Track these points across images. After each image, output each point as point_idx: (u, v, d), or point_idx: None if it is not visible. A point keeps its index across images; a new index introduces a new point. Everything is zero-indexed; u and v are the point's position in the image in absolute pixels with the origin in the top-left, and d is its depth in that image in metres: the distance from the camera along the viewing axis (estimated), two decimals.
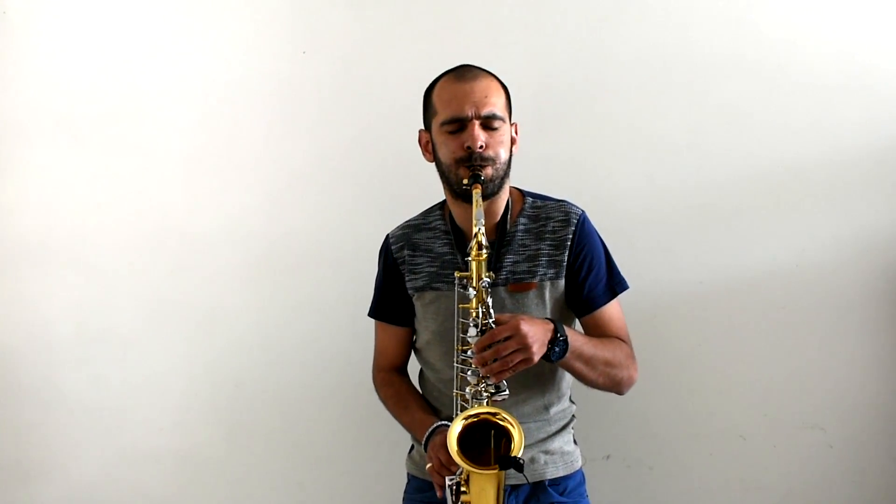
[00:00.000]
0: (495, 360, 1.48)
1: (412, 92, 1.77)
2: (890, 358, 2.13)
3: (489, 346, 1.48)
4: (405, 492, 1.83)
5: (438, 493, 1.55)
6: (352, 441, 2.28)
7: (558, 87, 2.21)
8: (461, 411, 1.55)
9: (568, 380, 1.76)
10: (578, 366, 1.60)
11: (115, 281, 2.32)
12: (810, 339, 2.15)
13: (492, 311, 1.54)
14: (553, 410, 1.72)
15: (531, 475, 1.66)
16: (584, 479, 1.78)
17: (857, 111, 2.12)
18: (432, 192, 1.85)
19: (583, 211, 1.73)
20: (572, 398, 1.81)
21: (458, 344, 1.61)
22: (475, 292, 1.54)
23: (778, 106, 2.14)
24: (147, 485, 2.33)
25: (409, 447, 1.83)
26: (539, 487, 1.69)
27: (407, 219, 1.84)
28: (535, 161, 1.86)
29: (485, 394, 1.52)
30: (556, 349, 1.53)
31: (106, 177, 2.33)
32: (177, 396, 2.32)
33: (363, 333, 1.92)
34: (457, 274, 1.61)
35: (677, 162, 2.18)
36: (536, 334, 1.49)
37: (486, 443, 1.52)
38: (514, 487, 1.66)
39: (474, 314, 1.53)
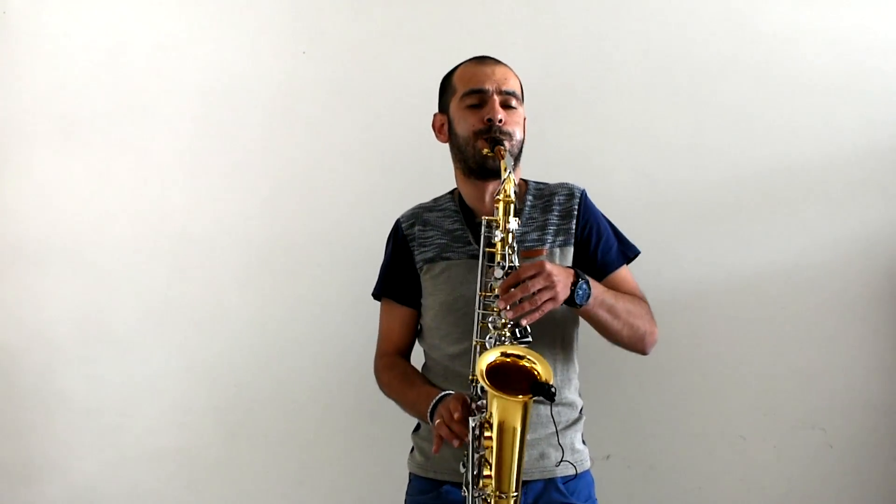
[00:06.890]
0: (521, 301, 1.49)
1: (412, 92, 1.78)
2: (890, 358, 2.14)
3: (515, 287, 1.50)
4: (407, 493, 1.82)
5: (435, 449, 1.52)
6: (352, 441, 2.28)
7: (558, 87, 2.21)
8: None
9: (576, 366, 1.76)
10: (602, 313, 1.63)
11: (115, 281, 2.32)
12: (810, 339, 2.15)
13: (516, 255, 1.56)
14: (564, 393, 1.71)
15: (540, 472, 1.66)
16: (593, 481, 1.77)
17: (856, 111, 2.12)
18: (434, 190, 1.86)
19: (583, 188, 1.79)
20: (581, 393, 1.79)
21: (480, 290, 1.60)
22: (502, 235, 1.56)
23: (778, 106, 2.15)
24: (147, 485, 2.33)
25: (411, 448, 1.83)
26: (550, 485, 1.68)
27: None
28: (534, 160, 1.86)
29: (508, 341, 1.53)
30: (580, 291, 1.56)
31: (106, 177, 2.32)
32: (177, 396, 2.32)
33: (363, 333, 1.92)
34: (484, 218, 1.63)
35: (677, 161, 2.18)
36: (560, 274, 1.53)
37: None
38: (524, 483, 1.64)
39: (499, 257, 1.56)
